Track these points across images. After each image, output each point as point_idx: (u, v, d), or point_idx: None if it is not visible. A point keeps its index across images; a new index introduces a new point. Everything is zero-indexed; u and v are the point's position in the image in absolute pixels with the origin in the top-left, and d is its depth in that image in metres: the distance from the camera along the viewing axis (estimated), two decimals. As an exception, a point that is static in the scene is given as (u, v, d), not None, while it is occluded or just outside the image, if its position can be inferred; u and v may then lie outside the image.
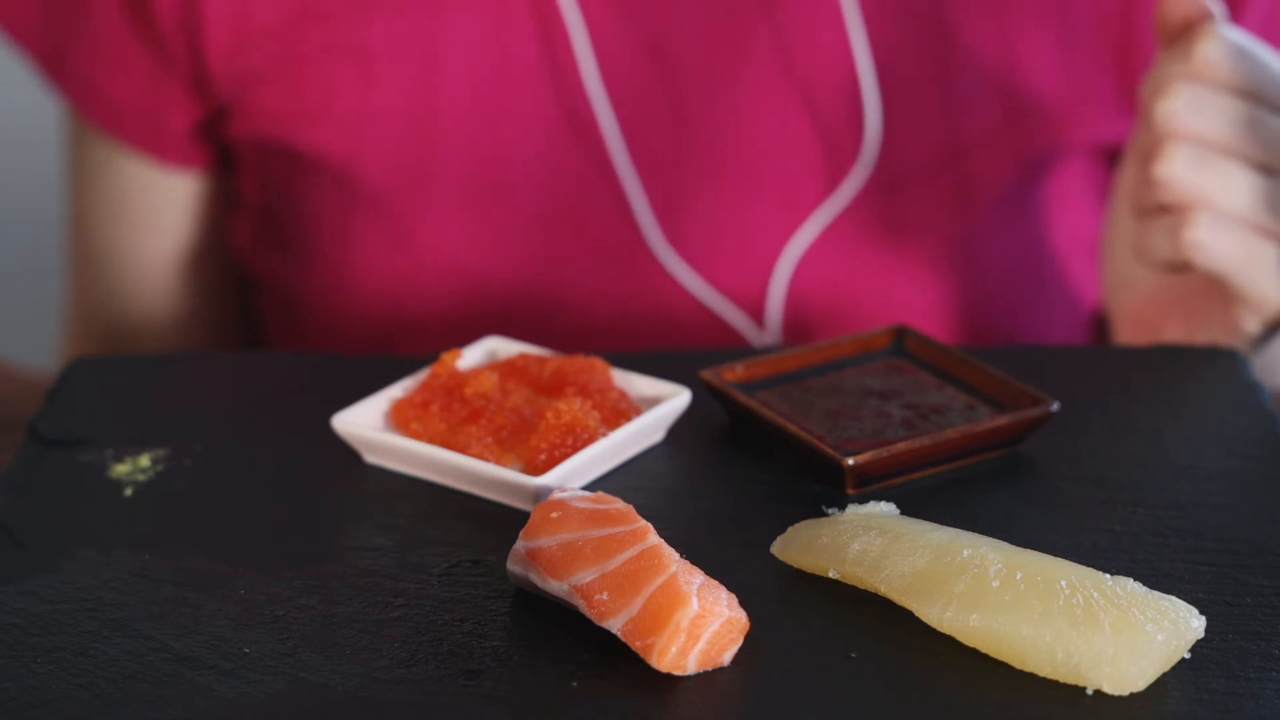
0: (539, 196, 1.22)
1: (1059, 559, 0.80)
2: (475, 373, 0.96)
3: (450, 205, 1.22)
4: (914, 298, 1.25)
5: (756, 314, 1.24)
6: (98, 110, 1.27)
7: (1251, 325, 1.08)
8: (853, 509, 0.86)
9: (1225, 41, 1.03)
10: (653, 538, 0.80)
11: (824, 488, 0.92)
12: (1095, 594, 0.78)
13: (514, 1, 1.20)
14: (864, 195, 1.23)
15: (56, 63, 1.27)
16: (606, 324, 1.24)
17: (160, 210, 1.30)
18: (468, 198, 1.22)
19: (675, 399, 0.96)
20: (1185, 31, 1.05)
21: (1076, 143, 1.25)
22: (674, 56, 1.21)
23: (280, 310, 1.30)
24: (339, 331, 1.27)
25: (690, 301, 1.23)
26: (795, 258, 1.23)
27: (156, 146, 1.27)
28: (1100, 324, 1.32)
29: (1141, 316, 1.13)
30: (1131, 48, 1.23)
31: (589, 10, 1.20)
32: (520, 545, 0.82)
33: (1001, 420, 0.93)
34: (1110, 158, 1.28)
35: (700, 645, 0.78)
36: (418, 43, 1.21)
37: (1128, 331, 1.15)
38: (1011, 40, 1.22)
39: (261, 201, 1.28)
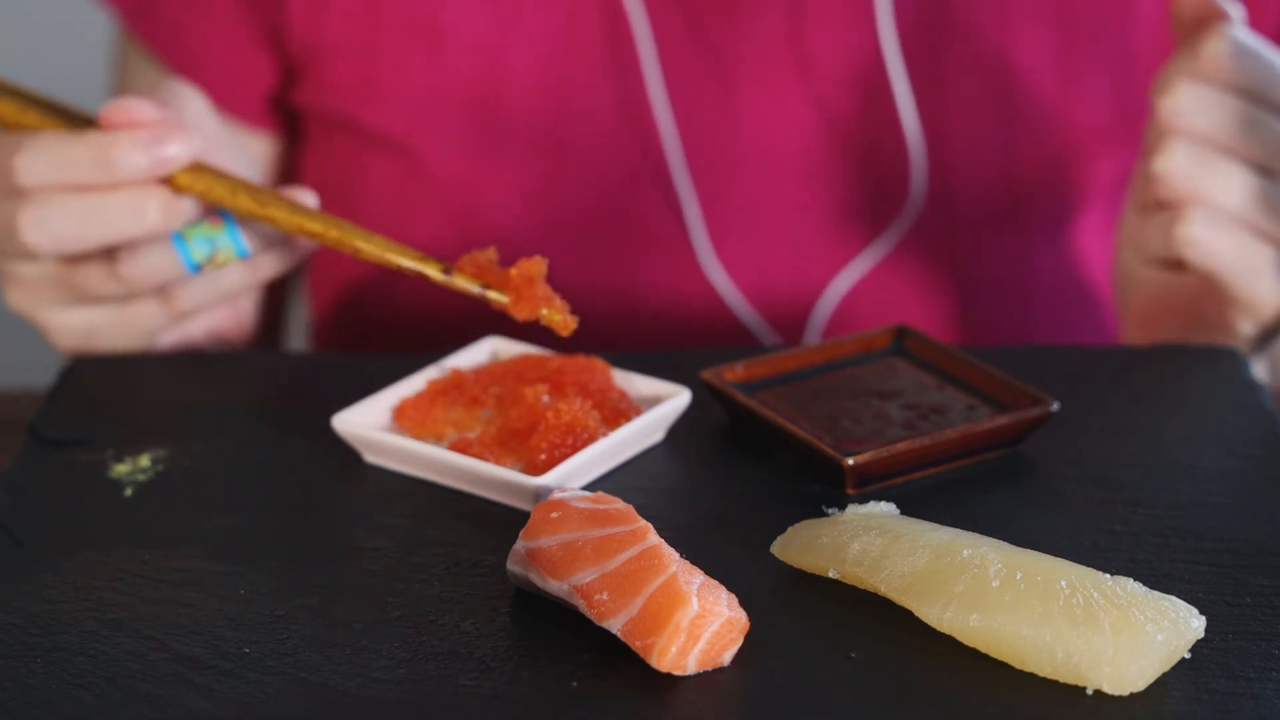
0: (594, 191, 1.24)
1: (1059, 559, 0.80)
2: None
3: (509, 190, 1.24)
4: (955, 330, 1.26)
5: (794, 337, 1.25)
6: (182, 61, 1.28)
7: (1246, 328, 1.08)
8: (853, 509, 0.86)
9: (1233, 42, 1.03)
10: (653, 538, 0.80)
11: (824, 488, 0.92)
12: (1095, 594, 0.78)
13: (580, 15, 1.21)
14: (915, 234, 1.24)
15: (143, 12, 1.27)
16: (643, 323, 1.25)
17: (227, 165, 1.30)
18: (527, 183, 1.24)
19: (675, 399, 0.96)
20: (1198, 30, 1.05)
21: (1130, 170, 1.26)
22: (734, 73, 1.22)
23: (332, 289, 1.32)
24: (389, 312, 1.28)
25: (728, 314, 1.24)
26: (840, 290, 1.24)
27: (233, 102, 1.28)
28: None
29: (1142, 315, 1.14)
30: None
31: (655, 17, 1.21)
32: (520, 545, 0.82)
33: (1001, 420, 0.93)
34: None
35: (700, 645, 0.78)
36: (488, 30, 1.22)
37: (1131, 330, 1.15)
38: (1069, 74, 1.23)
39: (324, 178, 1.30)
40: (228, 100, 1.28)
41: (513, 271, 0.95)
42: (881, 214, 1.24)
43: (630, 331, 1.25)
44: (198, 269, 1.04)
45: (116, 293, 1.04)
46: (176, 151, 1.01)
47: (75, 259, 1.04)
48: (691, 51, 1.22)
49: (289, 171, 1.34)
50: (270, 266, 1.07)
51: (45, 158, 1.01)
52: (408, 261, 0.98)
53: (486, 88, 1.23)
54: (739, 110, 1.23)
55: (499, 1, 1.22)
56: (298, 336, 1.77)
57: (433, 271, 0.97)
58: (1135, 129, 1.25)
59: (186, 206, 1.02)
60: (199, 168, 1.02)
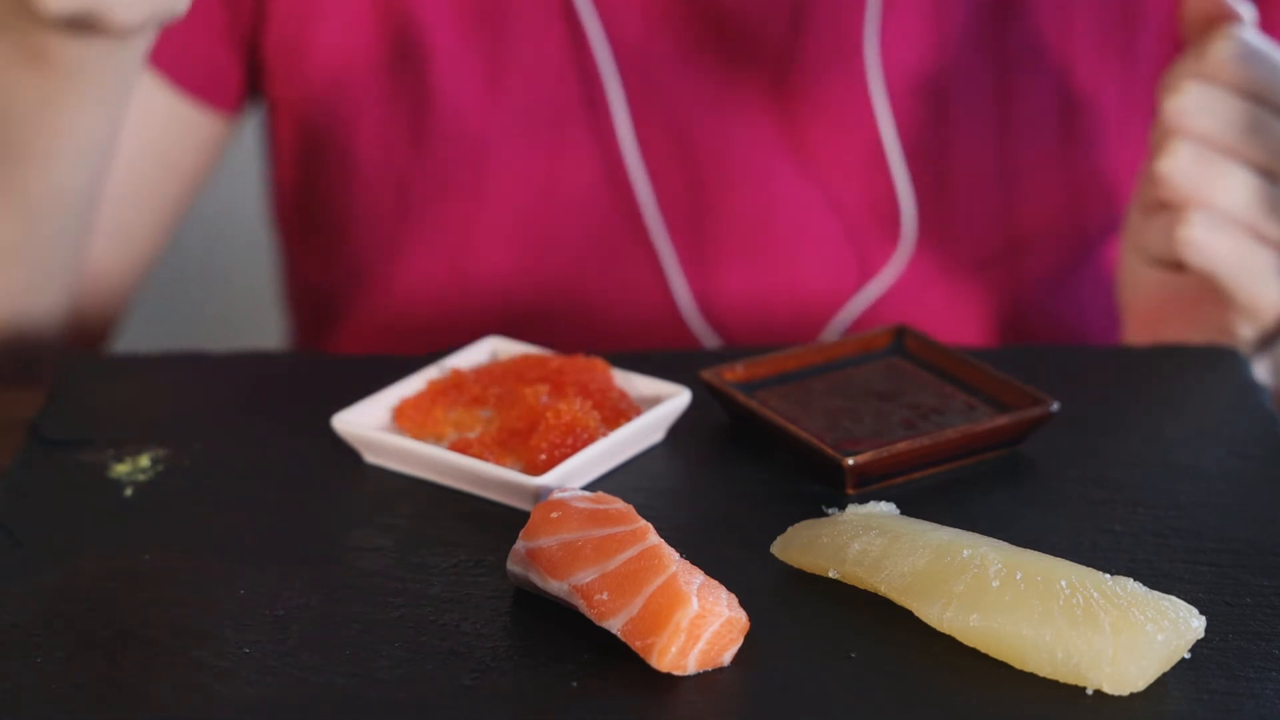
0: (580, 240, 1.24)
1: (1059, 559, 0.80)
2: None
3: (499, 230, 1.23)
4: None
5: None
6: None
7: (1246, 331, 1.08)
8: (853, 509, 0.86)
9: (1241, 43, 1.03)
10: (653, 538, 0.80)
11: (824, 488, 0.92)
12: (1095, 594, 0.78)
13: (561, 45, 1.21)
14: (908, 281, 1.24)
15: None
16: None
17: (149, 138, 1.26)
18: (516, 225, 1.23)
19: (675, 399, 0.96)
20: (1207, 31, 1.05)
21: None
22: (713, 133, 1.22)
23: (310, 303, 1.31)
24: (368, 332, 1.27)
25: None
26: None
27: (179, 69, 1.24)
28: None
29: (1144, 315, 1.14)
30: None
31: (626, 73, 1.20)
32: (520, 545, 0.82)
33: (1001, 420, 0.93)
34: None
35: (700, 645, 0.78)
36: (475, 71, 1.21)
37: (1130, 331, 1.15)
38: (1070, 124, 1.23)
39: (307, 197, 1.29)
40: (195, 82, 1.24)
41: None
42: (871, 265, 1.24)
43: None
44: None
45: None
46: None
47: None
48: (663, 110, 1.21)
49: (272, 188, 1.33)
50: None
51: None
52: None
53: (475, 134, 1.22)
54: (719, 167, 1.22)
55: (486, 46, 1.21)
56: (267, 338, 1.77)
57: None
58: (1136, 176, 1.25)
59: None
60: None
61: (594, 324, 1.25)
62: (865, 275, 1.24)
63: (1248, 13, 1.06)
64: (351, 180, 1.25)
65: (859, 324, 1.24)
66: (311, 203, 1.29)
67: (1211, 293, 1.08)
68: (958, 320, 1.26)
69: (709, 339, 1.24)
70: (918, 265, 1.24)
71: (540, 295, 1.24)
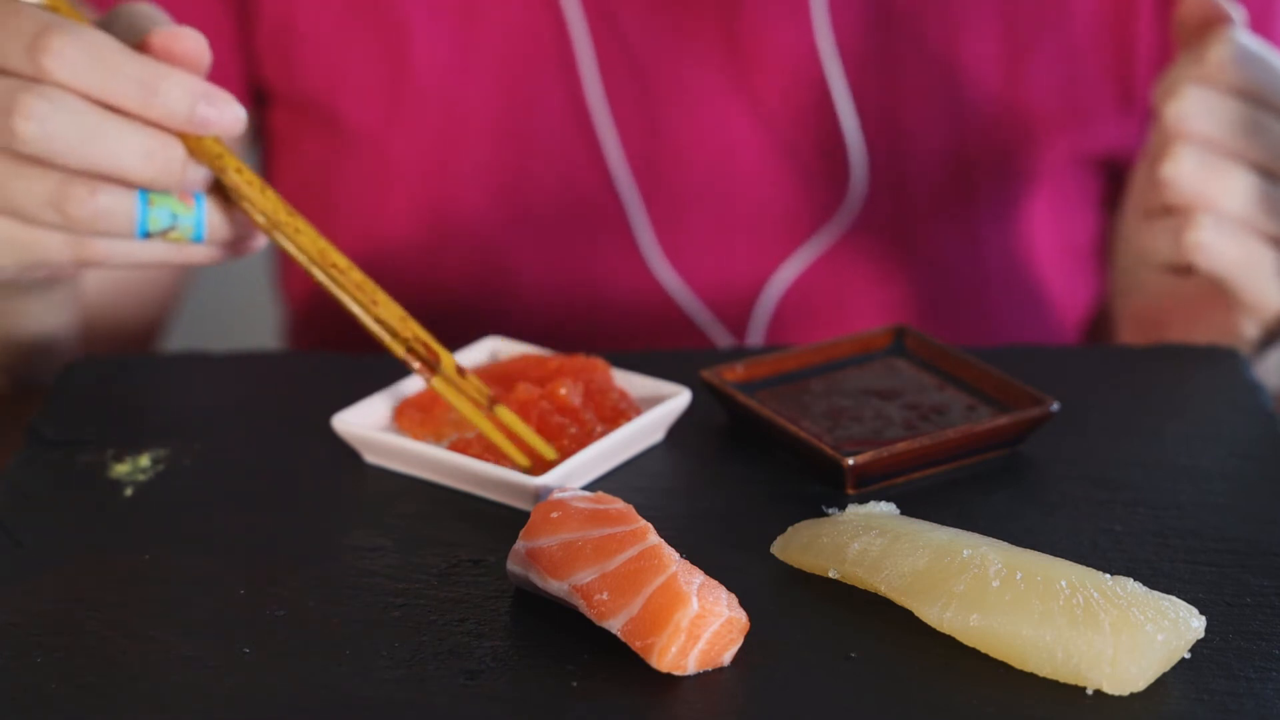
0: (552, 191, 1.26)
1: (1059, 559, 0.80)
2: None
3: (476, 186, 1.25)
4: (901, 310, 1.27)
5: (741, 329, 1.26)
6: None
7: (1251, 330, 1.08)
8: (853, 509, 0.86)
9: (1238, 46, 1.03)
10: (653, 538, 0.80)
11: (824, 488, 0.92)
12: (1095, 594, 0.78)
13: (537, 14, 1.22)
14: (864, 223, 1.24)
15: None
16: (597, 317, 1.26)
17: None
18: (492, 179, 1.25)
19: (675, 399, 0.96)
20: (1202, 34, 1.05)
21: (1076, 153, 1.27)
22: (671, 81, 1.23)
23: (299, 277, 1.32)
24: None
25: (675, 309, 1.26)
26: (786, 280, 1.25)
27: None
28: (1093, 328, 1.33)
29: (1145, 319, 1.14)
30: (1130, 57, 1.24)
31: (595, 28, 1.22)
32: (520, 545, 0.82)
33: (1001, 420, 0.93)
34: (1106, 165, 1.29)
35: (700, 645, 0.78)
36: (450, 31, 1.23)
37: (1131, 333, 1.15)
38: (1015, 60, 1.23)
39: (297, 182, 1.30)
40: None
41: None
42: (827, 205, 1.25)
43: (586, 325, 1.26)
44: (145, 236, 0.93)
45: (47, 220, 0.92)
46: (232, 119, 0.93)
47: (30, 164, 0.92)
48: (628, 61, 1.23)
49: (265, 169, 1.34)
50: (201, 256, 0.97)
51: (88, 58, 0.89)
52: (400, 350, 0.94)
53: (450, 88, 1.24)
54: (678, 115, 1.24)
55: (461, 5, 1.23)
56: (266, 338, 1.77)
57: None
58: (1080, 111, 1.25)
59: (196, 175, 0.93)
60: (222, 143, 0.94)
61: (567, 269, 1.26)
62: (820, 220, 1.24)
63: (1238, 15, 1.06)
64: (336, 148, 1.27)
65: (816, 268, 1.25)
66: (303, 175, 1.30)
67: (1216, 294, 1.08)
68: (912, 263, 1.26)
69: (671, 281, 1.25)
70: (872, 208, 1.24)
71: (516, 243, 1.26)
